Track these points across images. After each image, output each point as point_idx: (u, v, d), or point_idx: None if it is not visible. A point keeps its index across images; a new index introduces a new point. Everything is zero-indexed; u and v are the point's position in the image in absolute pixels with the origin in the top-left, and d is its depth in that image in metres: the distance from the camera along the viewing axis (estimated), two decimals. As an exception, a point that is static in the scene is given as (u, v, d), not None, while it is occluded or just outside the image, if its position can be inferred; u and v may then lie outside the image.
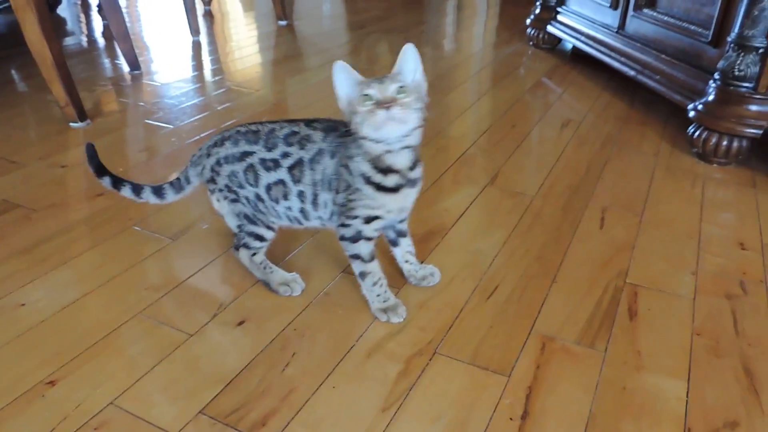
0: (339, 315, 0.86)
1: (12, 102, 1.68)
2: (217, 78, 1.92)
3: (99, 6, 2.69)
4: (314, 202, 0.83)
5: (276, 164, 0.83)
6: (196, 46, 2.28)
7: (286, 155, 0.82)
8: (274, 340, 0.81)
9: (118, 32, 1.87)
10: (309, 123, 0.84)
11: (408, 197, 0.82)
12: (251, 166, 0.84)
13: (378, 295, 0.85)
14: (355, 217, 0.80)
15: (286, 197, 0.84)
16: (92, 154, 0.97)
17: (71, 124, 1.50)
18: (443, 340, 0.81)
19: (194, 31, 2.36)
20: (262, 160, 0.83)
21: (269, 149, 0.83)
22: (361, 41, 2.37)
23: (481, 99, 1.72)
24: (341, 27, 2.64)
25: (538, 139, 1.44)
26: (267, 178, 0.84)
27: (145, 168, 1.30)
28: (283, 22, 2.64)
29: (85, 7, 2.99)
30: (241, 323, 0.84)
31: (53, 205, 1.15)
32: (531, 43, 2.23)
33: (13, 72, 1.99)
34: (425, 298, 0.89)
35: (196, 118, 1.57)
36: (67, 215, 1.11)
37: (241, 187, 0.86)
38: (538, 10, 2.16)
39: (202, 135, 1.46)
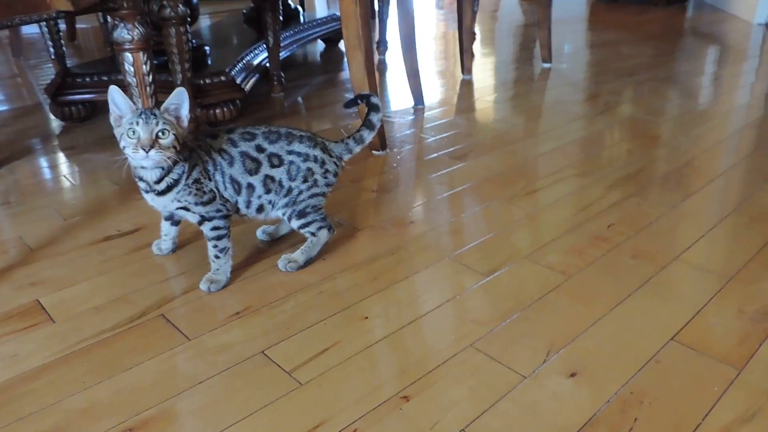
0: (675, 387, 0.82)
1: (314, 127, 1.91)
2: (492, 118, 1.99)
3: (377, 42, 2.95)
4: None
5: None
6: (467, 85, 2.39)
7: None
8: (612, 400, 0.80)
9: (411, 68, 2.03)
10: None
11: (155, 201, 1.00)
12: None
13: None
14: None
15: None
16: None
17: (374, 151, 1.66)
18: (808, 440, 0.74)
19: (466, 69, 2.48)
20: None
21: None
22: (634, 90, 2.29)
23: (789, 165, 1.56)
24: (606, 73, 2.58)
25: None
26: None
27: (445, 201, 1.38)
28: (547, 65, 2.66)
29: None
30: (572, 375, 0.85)
31: (372, 226, 1.27)
32: (842, 105, 1.97)
33: (302, 99, 2.26)
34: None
35: (479, 158, 1.64)
36: (385, 238, 1.22)
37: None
38: None
39: (486, 177, 1.51)
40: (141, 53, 1.25)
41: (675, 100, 2.16)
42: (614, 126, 1.89)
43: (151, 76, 1.28)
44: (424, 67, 2.66)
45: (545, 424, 0.77)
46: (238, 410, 0.80)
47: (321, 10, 4.14)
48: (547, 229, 1.25)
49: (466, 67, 2.47)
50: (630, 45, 3.13)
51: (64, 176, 1.59)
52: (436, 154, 1.66)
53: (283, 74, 2.29)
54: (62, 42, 2.28)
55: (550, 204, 1.37)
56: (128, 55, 1.25)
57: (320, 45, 3.22)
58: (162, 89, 1.69)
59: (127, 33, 1.23)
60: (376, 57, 2.92)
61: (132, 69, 1.26)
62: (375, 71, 1.59)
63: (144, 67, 1.26)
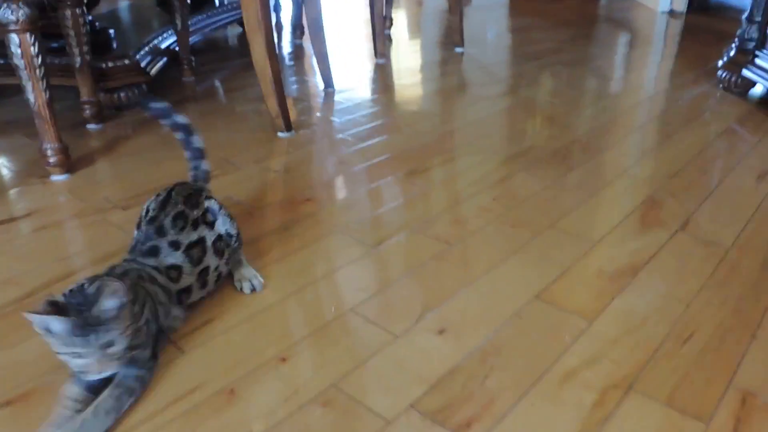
0: (532, 339, 0.91)
1: (223, 111, 1.92)
2: (400, 100, 2.05)
3: (293, 27, 2.96)
4: None
5: None
6: (380, 69, 2.44)
7: None
8: (473, 352, 0.88)
9: (319, 52, 2.07)
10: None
11: None
12: None
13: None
14: None
15: None
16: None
17: (279, 133, 1.69)
18: (638, 377, 0.83)
19: (379, 54, 2.53)
20: None
21: None
22: (539, 73, 2.40)
23: (666, 141, 1.69)
24: (516, 57, 2.69)
25: (731, 188, 1.39)
26: None
27: (344, 180, 1.43)
28: (459, 49, 2.74)
29: (278, 29, 3.29)
30: (441, 332, 0.92)
31: (268, 204, 1.31)
32: (721, 86, 2.13)
33: (216, 83, 2.26)
34: (618, 333, 0.92)
35: (383, 138, 1.69)
36: (280, 215, 1.26)
37: None
38: (733, 53, 2.07)
39: (387, 156, 1.57)
40: (27, 34, 1.23)
41: (575, 82, 2.27)
42: (514, 107, 1.98)
43: (40, 58, 1.27)
44: (341, 51, 2.70)
45: (411, 375, 0.83)
46: (118, 378, 0.82)
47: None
48: (436, 204, 1.32)
49: (378, 51, 2.52)
50: (541, 31, 3.26)
51: (-42, 162, 1.54)
52: (341, 135, 1.71)
53: (194, 58, 2.28)
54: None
55: (443, 180, 1.44)
56: (14, 37, 1.23)
57: (239, 29, 3.20)
58: (61, 72, 1.67)
59: (11, 13, 1.21)
60: (295, 42, 2.93)
61: (19, 51, 1.24)
62: (276, 54, 1.62)
63: (32, 48, 1.25)
